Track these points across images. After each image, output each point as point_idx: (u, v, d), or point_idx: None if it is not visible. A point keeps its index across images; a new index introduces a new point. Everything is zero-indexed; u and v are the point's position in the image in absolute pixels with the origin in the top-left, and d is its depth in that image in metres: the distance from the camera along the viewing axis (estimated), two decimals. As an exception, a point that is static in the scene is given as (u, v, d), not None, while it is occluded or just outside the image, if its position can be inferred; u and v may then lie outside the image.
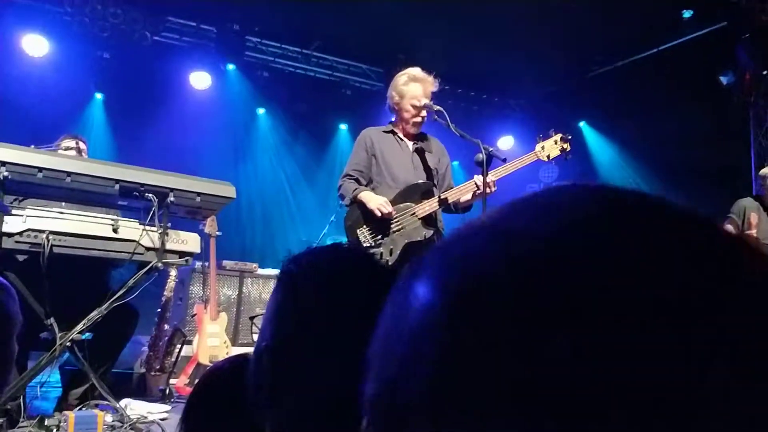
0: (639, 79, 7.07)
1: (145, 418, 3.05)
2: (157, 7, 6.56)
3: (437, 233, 3.29)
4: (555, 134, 3.39)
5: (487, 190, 3.09)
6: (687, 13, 6.33)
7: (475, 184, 3.18)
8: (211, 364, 4.21)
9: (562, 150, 3.38)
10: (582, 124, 8.32)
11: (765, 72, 6.07)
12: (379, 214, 3.16)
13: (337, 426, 0.72)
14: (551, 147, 3.37)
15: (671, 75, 6.68)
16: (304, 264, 0.89)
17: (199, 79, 7.28)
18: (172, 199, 2.87)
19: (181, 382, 4.12)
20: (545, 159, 3.36)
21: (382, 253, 3.18)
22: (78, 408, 2.95)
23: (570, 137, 3.43)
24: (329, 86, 8.05)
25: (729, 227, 3.84)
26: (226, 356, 4.30)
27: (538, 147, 3.37)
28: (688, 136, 6.41)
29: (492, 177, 3.15)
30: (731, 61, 6.15)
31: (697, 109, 6.45)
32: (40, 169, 2.62)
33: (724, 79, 6.27)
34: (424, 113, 3.37)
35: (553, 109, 7.98)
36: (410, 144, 3.47)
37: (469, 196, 3.26)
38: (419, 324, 0.32)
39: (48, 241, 2.61)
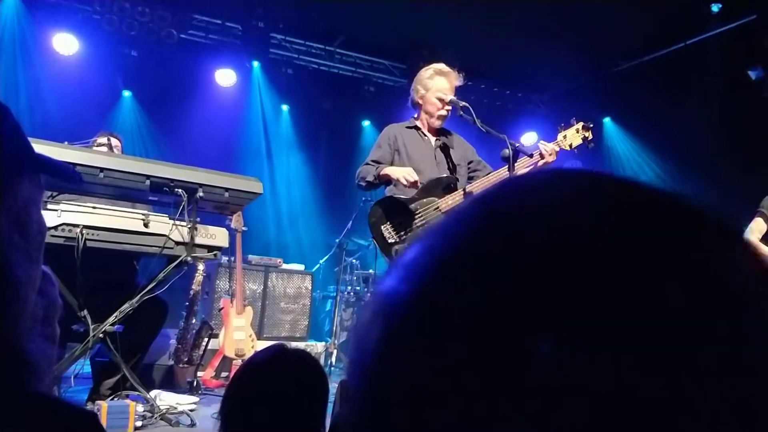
0: (665, 74, 6.95)
1: (175, 408, 3.11)
2: (184, 5, 6.65)
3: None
4: (576, 123, 3.35)
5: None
6: (715, 7, 6.21)
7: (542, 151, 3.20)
8: (236, 357, 4.28)
9: (585, 139, 3.33)
10: (606, 120, 8.23)
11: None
12: (405, 183, 3.17)
13: None
14: (573, 136, 3.33)
15: (698, 70, 6.58)
16: None
17: (225, 77, 7.36)
18: (201, 194, 2.94)
19: (207, 375, 4.19)
20: (567, 148, 3.31)
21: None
22: (110, 398, 3.03)
23: (591, 125, 3.37)
24: (352, 83, 8.08)
25: (759, 220, 3.81)
26: (252, 349, 4.37)
27: (560, 137, 3.33)
28: (716, 133, 6.31)
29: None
30: (760, 55, 6.04)
31: (725, 105, 6.34)
32: (74, 165, 2.69)
33: (752, 74, 6.16)
34: (449, 107, 3.39)
35: (577, 105, 7.87)
36: (433, 140, 3.49)
37: None
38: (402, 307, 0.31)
39: (82, 235, 2.69)
